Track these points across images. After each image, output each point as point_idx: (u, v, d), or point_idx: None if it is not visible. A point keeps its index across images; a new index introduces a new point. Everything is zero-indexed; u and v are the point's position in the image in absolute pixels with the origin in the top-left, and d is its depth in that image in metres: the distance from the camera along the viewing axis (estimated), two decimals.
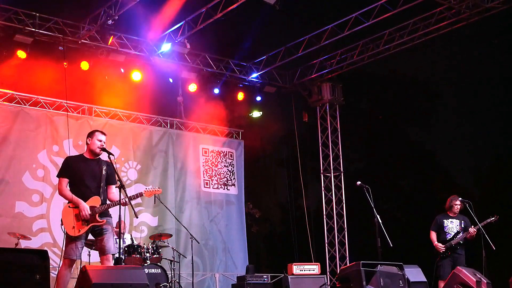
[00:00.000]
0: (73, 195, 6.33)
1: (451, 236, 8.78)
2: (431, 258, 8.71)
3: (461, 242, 8.69)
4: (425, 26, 11.36)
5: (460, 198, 8.91)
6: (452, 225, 8.85)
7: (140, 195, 6.59)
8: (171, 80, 11.70)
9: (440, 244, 8.76)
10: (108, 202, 6.48)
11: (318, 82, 13.59)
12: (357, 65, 12.85)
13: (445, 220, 8.91)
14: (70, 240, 6.25)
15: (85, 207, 6.26)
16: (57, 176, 6.54)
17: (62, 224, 6.30)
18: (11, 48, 10.45)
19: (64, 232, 6.28)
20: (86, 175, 6.41)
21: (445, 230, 8.85)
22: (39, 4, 10.26)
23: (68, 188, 6.43)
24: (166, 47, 11.37)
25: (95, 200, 6.37)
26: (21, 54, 10.51)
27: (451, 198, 8.99)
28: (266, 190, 14.19)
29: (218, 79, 12.92)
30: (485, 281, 7.57)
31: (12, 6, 10.19)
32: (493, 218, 8.56)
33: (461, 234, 8.72)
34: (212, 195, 13.20)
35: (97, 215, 6.31)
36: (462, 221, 8.83)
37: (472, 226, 8.62)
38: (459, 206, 8.89)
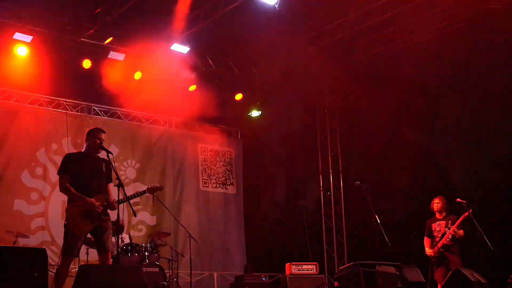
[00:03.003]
0: (77, 193, 6.29)
1: (439, 239, 8.51)
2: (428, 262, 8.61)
3: (448, 242, 8.40)
4: (425, 27, 11.34)
5: (439, 197, 8.68)
6: (440, 228, 8.60)
7: (143, 193, 6.65)
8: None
9: (429, 250, 8.55)
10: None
11: (317, 81, 13.57)
12: (357, 64, 12.82)
13: (433, 224, 8.70)
14: (70, 238, 6.23)
15: (94, 203, 6.26)
16: (58, 173, 6.50)
17: (66, 223, 6.25)
18: (11, 46, 10.43)
19: (68, 230, 6.23)
20: (87, 173, 6.41)
21: (434, 234, 8.63)
22: (39, 2, 10.24)
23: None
24: (165, 46, 11.36)
25: (100, 198, 6.37)
26: (22, 51, 10.49)
27: (432, 199, 8.80)
28: (264, 190, 14.20)
29: (217, 79, 12.92)
30: (484, 282, 7.56)
31: (12, 3, 10.18)
32: (467, 213, 8.22)
33: (446, 235, 8.44)
34: (210, 194, 13.21)
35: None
36: (449, 221, 8.52)
37: (452, 226, 8.34)
38: (438, 205, 8.64)
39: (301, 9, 10.55)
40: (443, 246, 8.44)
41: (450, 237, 8.43)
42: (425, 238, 8.77)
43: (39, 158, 11.07)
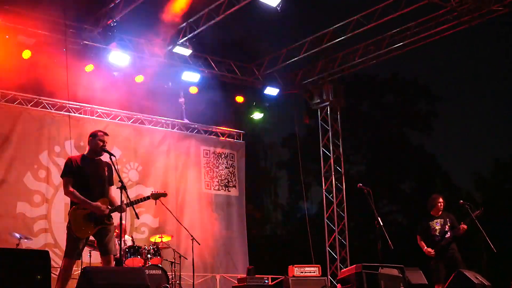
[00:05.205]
0: (81, 196, 6.26)
1: (439, 238, 8.45)
2: (427, 261, 8.58)
3: (451, 241, 8.39)
4: (426, 29, 11.37)
5: (441, 195, 8.68)
6: (439, 226, 8.53)
7: (146, 198, 6.66)
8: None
9: (430, 249, 8.45)
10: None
11: (319, 84, 13.60)
12: (359, 67, 12.87)
13: (430, 223, 8.61)
14: (73, 240, 6.22)
15: (99, 206, 6.26)
16: (61, 176, 6.48)
17: (69, 226, 6.23)
18: (14, 49, 10.45)
19: (71, 233, 6.22)
20: (90, 176, 6.38)
21: (432, 233, 8.54)
22: (42, 5, 10.28)
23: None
24: (168, 49, 11.39)
25: (104, 202, 6.36)
26: (26, 54, 10.51)
27: (433, 197, 8.73)
28: (267, 192, 14.21)
29: (219, 81, 12.94)
30: (487, 284, 7.55)
31: (14, 7, 10.21)
32: (479, 211, 8.22)
33: (449, 233, 8.41)
34: (213, 196, 13.20)
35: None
36: (448, 219, 8.50)
37: (462, 223, 8.30)
38: (442, 204, 8.58)
39: (303, 11, 10.59)
40: (448, 243, 8.39)
41: (450, 234, 8.38)
42: (419, 237, 8.65)
43: (42, 160, 11.08)
